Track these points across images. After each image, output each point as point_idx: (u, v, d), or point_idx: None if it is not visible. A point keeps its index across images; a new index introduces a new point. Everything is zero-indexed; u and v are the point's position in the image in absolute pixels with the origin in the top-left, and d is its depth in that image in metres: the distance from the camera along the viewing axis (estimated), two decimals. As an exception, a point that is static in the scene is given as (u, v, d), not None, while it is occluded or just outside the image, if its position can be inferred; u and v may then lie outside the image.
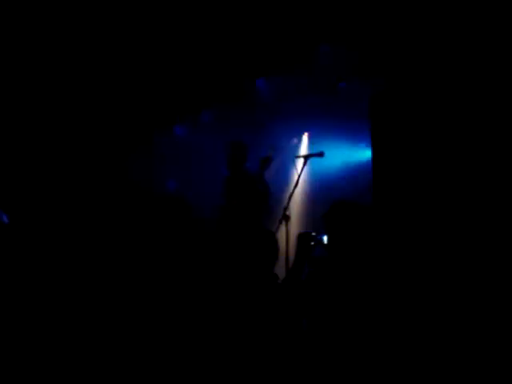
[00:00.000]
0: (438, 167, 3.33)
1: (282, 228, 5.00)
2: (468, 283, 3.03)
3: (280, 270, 4.53)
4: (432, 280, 3.18)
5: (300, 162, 5.26)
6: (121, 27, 5.70)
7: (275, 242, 3.59)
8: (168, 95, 6.67)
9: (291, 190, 5.08)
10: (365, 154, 5.62)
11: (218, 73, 6.40)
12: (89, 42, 5.81)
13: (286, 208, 5.03)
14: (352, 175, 5.95)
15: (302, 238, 3.20)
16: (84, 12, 5.34)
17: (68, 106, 6.37)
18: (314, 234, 3.21)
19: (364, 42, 5.32)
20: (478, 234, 3.10)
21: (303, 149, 6.51)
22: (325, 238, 3.18)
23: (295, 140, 6.74)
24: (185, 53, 6.15)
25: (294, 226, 5.26)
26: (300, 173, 5.13)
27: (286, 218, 5.01)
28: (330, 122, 6.08)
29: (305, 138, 6.61)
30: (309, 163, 5.20)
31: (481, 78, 3.22)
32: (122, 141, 6.83)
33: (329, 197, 5.32)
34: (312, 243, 3.15)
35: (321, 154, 5.31)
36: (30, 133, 6.29)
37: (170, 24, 5.72)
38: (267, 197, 5.54)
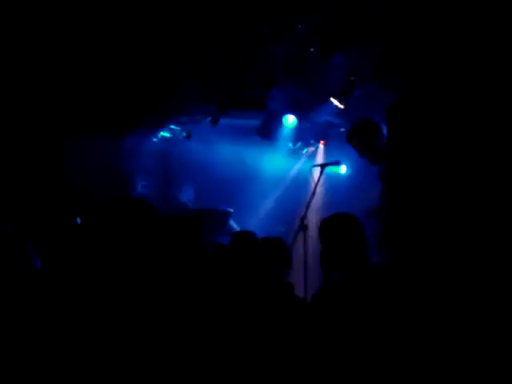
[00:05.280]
0: (453, 177, 3.34)
1: (300, 237, 5.02)
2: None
3: (299, 279, 4.57)
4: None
5: (317, 170, 5.29)
6: (131, 32, 5.71)
7: (285, 248, 3.60)
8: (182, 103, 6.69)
9: (308, 199, 5.11)
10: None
11: (231, 80, 6.44)
12: (100, 48, 5.82)
13: (304, 217, 5.05)
14: (368, 183, 5.96)
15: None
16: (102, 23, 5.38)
17: (80, 114, 6.40)
18: None
19: (378, 48, 5.33)
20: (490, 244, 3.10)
21: (319, 157, 6.54)
22: None
23: (311, 148, 6.78)
24: (197, 61, 6.17)
25: (312, 235, 5.28)
26: (317, 181, 5.15)
27: (304, 228, 5.03)
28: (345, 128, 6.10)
29: (321, 146, 6.64)
30: (325, 172, 5.23)
31: (498, 86, 3.23)
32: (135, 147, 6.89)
33: (346, 205, 5.34)
34: None
35: (337, 163, 5.35)
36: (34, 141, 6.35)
37: (182, 32, 5.75)
38: None
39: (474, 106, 3.36)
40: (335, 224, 3.18)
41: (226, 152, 7.17)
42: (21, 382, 2.28)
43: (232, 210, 6.65)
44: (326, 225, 3.21)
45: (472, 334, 2.93)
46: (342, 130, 6.20)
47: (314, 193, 5.11)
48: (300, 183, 6.61)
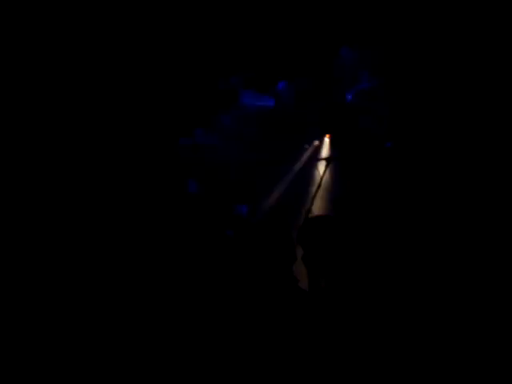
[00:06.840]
0: (457, 175, 3.34)
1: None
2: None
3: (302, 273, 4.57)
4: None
5: (322, 164, 5.29)
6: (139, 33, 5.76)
7: (291, 238, 3.59)
8: (188, 98, 6.70)
9: (314, 193, 5.11)
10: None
11: (239, 75, 6.44)
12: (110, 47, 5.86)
13: (309, 211, 5.05)
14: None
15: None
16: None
17: (89, 112, 6.43)
18: None
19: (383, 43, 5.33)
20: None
21: (325, 151, 6.54)
22: None
23: (317, 142, 6.77)
24: (205, 57, 6.19)
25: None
26: (322, 175, 5.15)
27: (309, 221, 5.03)
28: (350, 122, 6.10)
29: (326, 140, 6.64)
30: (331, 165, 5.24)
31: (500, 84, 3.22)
32: (144, 144, 6.89)
33: (352, 199, 5.34)
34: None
35: (343, 157, 5.34)
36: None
37: (189, 28, 5.77)
38: None
39: (477, 105, 3.35)
40: (311, 229, 3.18)
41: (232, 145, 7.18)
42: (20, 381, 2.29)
43: None
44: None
45: (471, 334, 2.93)
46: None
47: (319, 186, 5.11)
48: (305, 176, 6.61)
